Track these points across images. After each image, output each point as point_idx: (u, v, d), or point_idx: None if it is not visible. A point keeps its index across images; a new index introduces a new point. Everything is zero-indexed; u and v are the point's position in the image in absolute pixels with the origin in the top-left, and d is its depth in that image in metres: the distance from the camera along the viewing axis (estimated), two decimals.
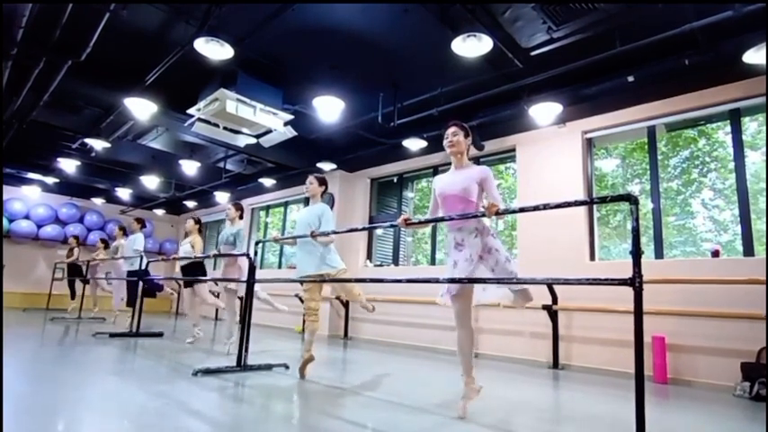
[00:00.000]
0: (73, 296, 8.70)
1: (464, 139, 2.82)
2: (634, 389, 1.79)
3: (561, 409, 3.04)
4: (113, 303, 7.40)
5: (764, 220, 4.23)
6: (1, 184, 9.59)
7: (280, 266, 9.85)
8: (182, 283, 9.74)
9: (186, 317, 10.00)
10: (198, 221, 5.82)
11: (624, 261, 5.07)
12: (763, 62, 3.71)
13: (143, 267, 6.16)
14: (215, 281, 5.53)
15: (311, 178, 3.96)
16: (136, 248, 6.61)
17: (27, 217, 10.40)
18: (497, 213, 2.44)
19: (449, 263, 2.78)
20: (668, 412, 3.08)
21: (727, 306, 4.04)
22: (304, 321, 3.73)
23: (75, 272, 8.87)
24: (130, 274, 6.58)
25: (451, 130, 2.85)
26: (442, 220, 2.81)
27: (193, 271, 5.59)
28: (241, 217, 5.13)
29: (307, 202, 9.44)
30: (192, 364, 3.90)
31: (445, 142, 2.84)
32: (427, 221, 2.92)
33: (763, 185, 4.78)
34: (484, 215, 2.52)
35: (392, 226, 3.07)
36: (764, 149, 4.56)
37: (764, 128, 4.67)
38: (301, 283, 3.73)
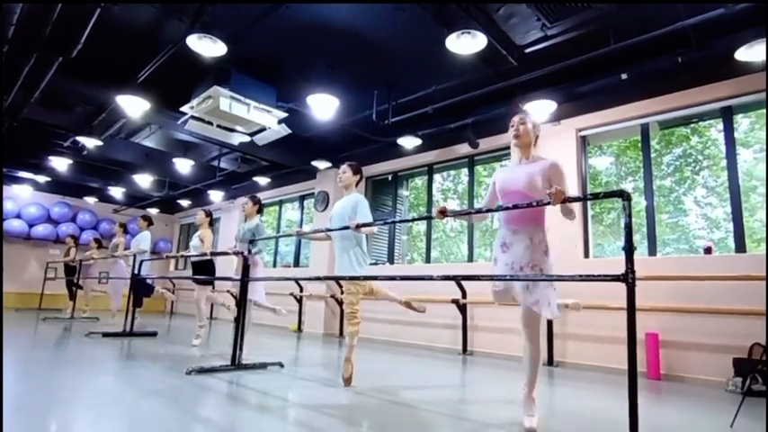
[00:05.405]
0: (71, 297, 8.56)
1: (532, 128, 2.56)
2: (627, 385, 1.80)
3: (555, 406, 3.05)
4: (112, 305, 7.18)
5: (762, 217, 4.26)
6: (1, 184, 9.49)
7: (275, 265, 9.83)
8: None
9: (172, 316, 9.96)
10: (209, 214, 5.53)
11: (617, 258, 5.08)
12: (756, 59, 3.73)
13: (139, 269, 6.10)
14: (233, 281, 5.09)
15: (344, 167, 3.61)
16: (142, 248, 6.45)
17: (18, 216, 10.31)
18: (564, 201, 2.13)
19: (493, 260, 2.61)
20: (662, 408, 3.10)
21: (720, 302, 4.07)
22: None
23: (71, 272, 8.75)
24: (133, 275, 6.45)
25: (518, 117, 2.58)
26: (479, 211, 2.59)
27: (201, 270, 5.40)
28: (259, 211, 4.79)
29: (301, 201, 9.46)
30: (185, 364, 3.88)
31: (511, 131, 2.57)
32: (465, 213, 2.70)
33: (755, 183, 4.81)
34: (548, 203, 2.19)
35: (429, 218, 2.88)
36: (762, 146, 4.59)
37: (757, 126, 4.70)
38: (339, 284, 3.41)
